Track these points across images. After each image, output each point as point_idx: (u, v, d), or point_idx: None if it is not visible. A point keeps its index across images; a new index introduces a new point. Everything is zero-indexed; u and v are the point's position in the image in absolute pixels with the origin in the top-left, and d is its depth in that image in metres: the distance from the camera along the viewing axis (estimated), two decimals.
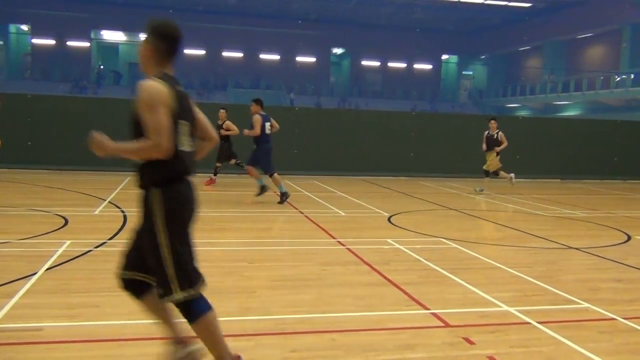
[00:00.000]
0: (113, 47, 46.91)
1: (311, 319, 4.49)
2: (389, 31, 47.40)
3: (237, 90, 42.84)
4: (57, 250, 6.26)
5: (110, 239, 7.10)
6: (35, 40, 43.51)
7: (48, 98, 16.95)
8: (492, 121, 14.09)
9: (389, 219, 9.46)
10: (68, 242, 6.71)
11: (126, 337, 3.96)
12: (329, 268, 6.12)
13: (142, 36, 3.11)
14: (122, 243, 6.81)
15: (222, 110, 13.12)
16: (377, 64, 51.02)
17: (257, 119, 10.60)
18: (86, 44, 44.41)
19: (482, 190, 13.93)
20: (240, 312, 4.57)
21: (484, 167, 14.07)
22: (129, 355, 3.67)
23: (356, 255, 6.73)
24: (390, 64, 51.20)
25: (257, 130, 10.55)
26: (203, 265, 6.05)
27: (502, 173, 14.02)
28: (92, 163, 15.15)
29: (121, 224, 8.14)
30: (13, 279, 5.14)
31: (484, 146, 14.00)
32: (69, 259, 5.96)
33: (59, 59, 42.21)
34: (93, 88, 39.94)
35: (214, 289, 5.19)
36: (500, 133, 13.91)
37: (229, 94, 42.03)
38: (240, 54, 46.96)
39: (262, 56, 47.56)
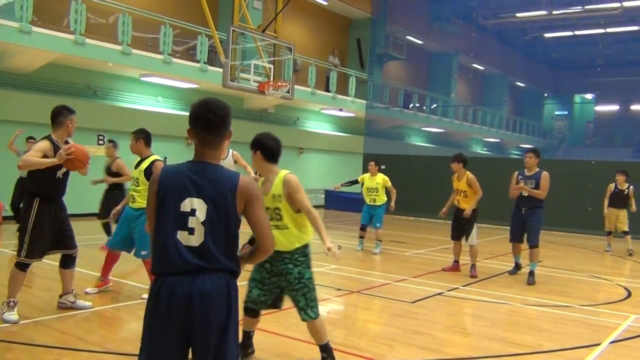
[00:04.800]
0: None
1: None
2: None
3: None
4: (621, 324, 5.97)
5: None
6: (598, 108, 44.48)
7: (609, 164, 16.75)
8: None
9: None
10: (633, 316, 6.32)
11: None
12: None
13: None
14: None
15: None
16: None
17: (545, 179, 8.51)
18: None
19: None
20: None
21: None
22: None
23: None
24: None
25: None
26: None
27: None
28: None
29: None
30: (577, 345, 5.17)
31: None
32: (635, 335, 5.59)
33: (622, 124, 41.80)
34: None
35: None
36: None
37: None
38: None
39: None
